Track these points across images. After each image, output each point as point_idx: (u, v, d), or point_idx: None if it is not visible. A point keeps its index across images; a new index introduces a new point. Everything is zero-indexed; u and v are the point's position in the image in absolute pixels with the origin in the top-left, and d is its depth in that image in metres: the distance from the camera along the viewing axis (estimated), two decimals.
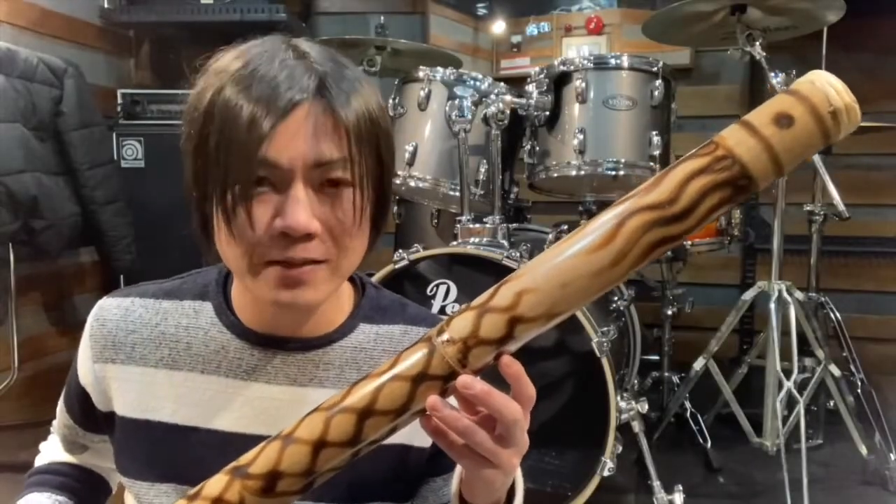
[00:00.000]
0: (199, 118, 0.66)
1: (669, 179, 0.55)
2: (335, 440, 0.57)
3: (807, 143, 0.54)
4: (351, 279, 0.81)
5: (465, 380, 0.56)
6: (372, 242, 0.74)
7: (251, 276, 0.67)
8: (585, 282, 0.55)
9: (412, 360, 0.57)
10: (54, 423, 0.89)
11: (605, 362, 1.64)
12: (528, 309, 0.55)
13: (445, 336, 0.57)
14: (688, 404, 2.28)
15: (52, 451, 0.91)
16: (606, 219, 0.56)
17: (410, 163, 2.02)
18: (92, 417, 0.81)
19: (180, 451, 0.73)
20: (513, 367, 0.57)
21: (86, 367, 0.79)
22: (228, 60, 0.68)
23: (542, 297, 0.55)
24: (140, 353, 0.76)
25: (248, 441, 0.61)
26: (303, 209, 0.64)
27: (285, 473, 0.57)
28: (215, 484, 0.59)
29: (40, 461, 0.91)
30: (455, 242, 1.88)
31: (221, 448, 0.61)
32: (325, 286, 0.68)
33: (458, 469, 0.67)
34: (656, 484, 1.79)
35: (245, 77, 0.65)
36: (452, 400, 0.58)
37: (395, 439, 0.61)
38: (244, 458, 0.59)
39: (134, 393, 0.76)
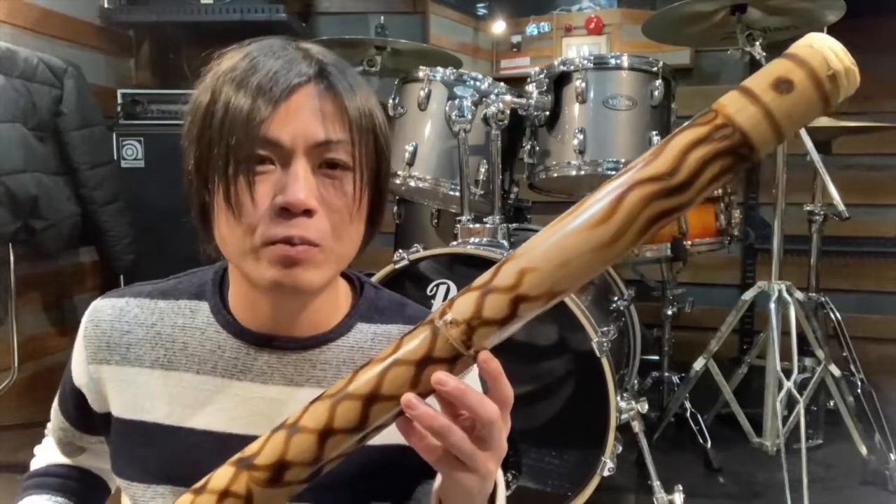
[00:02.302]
0: (202, 107, 0.67)
1: (669, 150, 0.54)
2: (341, 427, 0.56)
3: (806, 109, 0.53)
4: (349, 279, 0.81)
5: (440, 376, 0.55)
6: (368, 238, 0.74)
7: (251, 259, 0.67)
8: (587, 258, 0.54)
9: (415, 343, 0.56)
10: (49, 425, 0.88)
11: (605, 362, 1.64)
12: (531, 288, 0.55)
13: (449, 317, 0.56)
14: (688, 404, 2.28)
15: (48, 453, 0.90)
16: (605, 193, 0.55)
17: (410, 163, 2.02)
18: (88, 419, 0.81)
19: (176, 452, 0.73)
20: (491, 364, 0.56)
21: (80, 368, 0.78)
22: (229, 58, 0.69)
23: (544, 276, 0.55)
24: (135, 354, 0.76)
25: (244, 441, 0.60)
26: (303, 185, 0.64)
27: (292, 463, 0.56)
28: (221, 476, 0.58)
29: (36, 464, 0.90)
30: (455, 242, 1.88)
31: (217, 449, 0.60)
32: (321, 270, 0.68)
33: (438, 477, 0.67)
34: (656, 484, 1.79)
35: (246, 69, 0.66)
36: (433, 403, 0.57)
37: (391, 440, 0.61)
38: (249, 450, 0.58)
39: (129, 394, 0.76)
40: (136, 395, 0.75)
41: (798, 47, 0.53)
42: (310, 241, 0.66)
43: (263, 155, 0.65)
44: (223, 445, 0.60)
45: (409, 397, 0.55)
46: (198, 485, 0.59)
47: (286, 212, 0.65)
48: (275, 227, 0.65)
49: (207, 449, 0.71)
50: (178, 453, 0.73)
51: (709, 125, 0.54)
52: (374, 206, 0.73)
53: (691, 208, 0.57)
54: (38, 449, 0.92)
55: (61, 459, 0.89)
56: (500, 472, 0.66)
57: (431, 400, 0.57)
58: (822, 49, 0.52)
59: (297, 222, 0.65)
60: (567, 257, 0.54)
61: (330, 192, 0.67)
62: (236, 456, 0.59)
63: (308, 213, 0.65)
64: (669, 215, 0.54)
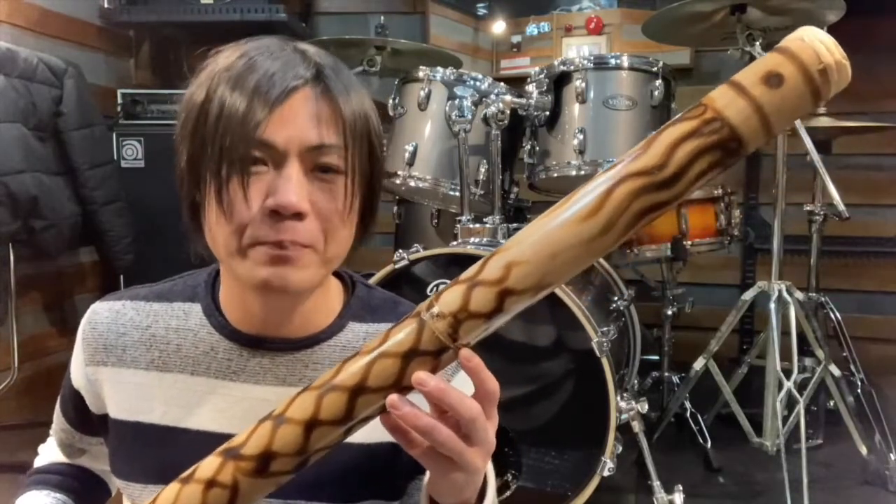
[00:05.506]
0: (196, 105, 0.67)
1: (657, 144, 0.53)
2: (327, 419, 0.56)
3: (797, 103, 0.52)
4: (341, 278, 0.81)
5: (420, 376, 0.55)
6: (359, 239, 0.74)
7: (240, 258, 0.67)
8: (574, 252, 0.54)
9: (402, 335, 0.56)
10: (52, 426, 0.89)
11: (605, 362, 1.64)
12: (518, 281, 0.54)
13: (435, 310, 0.56)
14: (688, 404, 2.28)
15: (50, 453, 0.91)
16: (594, 186, 0.54)
17: (410, 163, 2.02)
18: (87, 420, 0.82)
19: (171, 453, 0.73)
20: (472, 360, 0.56)
21: (78, 370, 0.80)
22: (226, 56, 0.69)
23: (531, 269, 0.54)
24: (131, 356, 0.76)
25: None
26: (294, 188, 0.65)
27: (278, 454, 0.57)
28: (208, 466, 0.59)
29: (39, 462, 0.91)
30: (455, 242, 1.88)
31: (212, 449, 0.61)
32: (311, 270, 0.68)
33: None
34: (656, 484, 1.78)
35: (243, 68, 0.66)
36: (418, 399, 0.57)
37: (384, 438, 0.61)
38: (236, 440, 0.59)
39: (125, 395, 0.76)
40: (132, 397, 0.76)
41: (789, 41, 0.52)
42: (300, 243, 0.66)
43: (257, 156, 0.65)
44: (218, 445, 0.61)
45: (393, 398, 0.55)
46: (185, 474, 0.60)
47: (277, 214, 0.65)
48: (265, 229, 0.65)
49: (202, 449, 0.71)
50: (174, 454, 0.73)
51: (698, 119, 0.53)
52: (367, 209, 0.73)
53: (680, 202, 0.57)
54: (41, 448, 0.93)
55: (64, 458, 0.90)
56: (490, 465, 0.66)
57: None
58: (813, 42, 0.51)
59: (287, 226, 0.65)
60: (555, 250, 0.54)
61: (322, 196, 0.67)
62: (223, 446, 0.59)
63: (299, 216, 0.65)
64: (658, 209, 0.54)
